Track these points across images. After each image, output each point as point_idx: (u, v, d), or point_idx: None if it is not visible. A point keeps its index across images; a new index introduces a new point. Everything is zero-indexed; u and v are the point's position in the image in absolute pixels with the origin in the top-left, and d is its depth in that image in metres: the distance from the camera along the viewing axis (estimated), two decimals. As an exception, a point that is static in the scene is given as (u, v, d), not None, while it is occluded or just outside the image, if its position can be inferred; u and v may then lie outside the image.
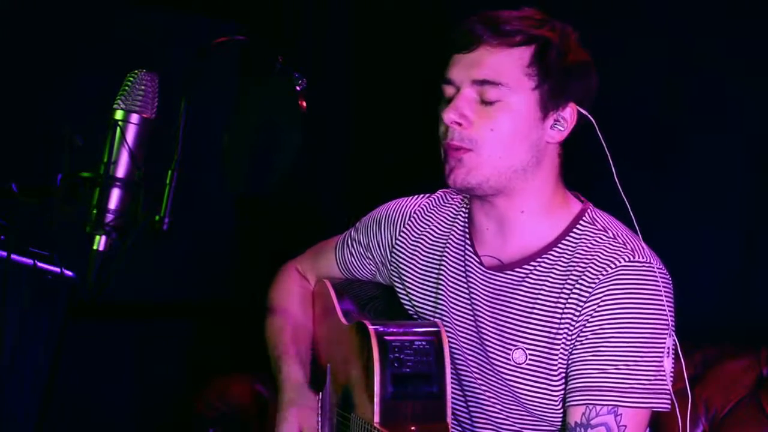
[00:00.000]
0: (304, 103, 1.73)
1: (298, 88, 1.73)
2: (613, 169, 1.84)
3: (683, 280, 1.92)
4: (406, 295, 2.10)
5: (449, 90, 1.88)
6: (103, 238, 1.59)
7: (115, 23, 3.16)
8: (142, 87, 1.61)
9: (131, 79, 1.62)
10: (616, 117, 2.51)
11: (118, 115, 1.60)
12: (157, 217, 1.57)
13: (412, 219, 2.12)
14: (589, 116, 1.88)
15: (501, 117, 1.84)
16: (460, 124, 1.85)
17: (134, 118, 1.60)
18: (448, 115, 1.85)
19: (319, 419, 2.09)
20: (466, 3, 1.96)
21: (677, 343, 1.83)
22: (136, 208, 1.59)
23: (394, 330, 1.88)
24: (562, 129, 1.88)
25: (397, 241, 2.13)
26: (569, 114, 1.87)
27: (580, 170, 1.95)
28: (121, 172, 1.59)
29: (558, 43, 1.85)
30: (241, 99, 1.95)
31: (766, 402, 2.31)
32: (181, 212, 1.60)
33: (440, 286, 2.03)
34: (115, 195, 1.59)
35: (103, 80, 1.83)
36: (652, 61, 2.69)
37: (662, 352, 1.80)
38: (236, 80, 3.34)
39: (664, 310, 1.80)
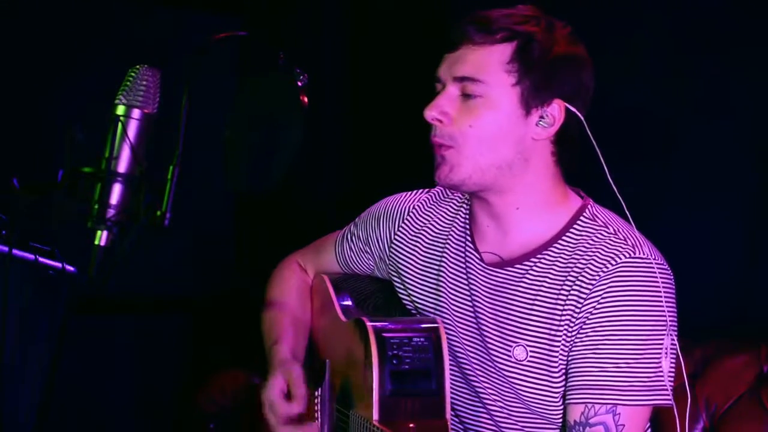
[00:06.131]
0: (306, 99, 1.73)
1: (299, 83, 1.73)
2: (604, 165, 1.83)
3: (683, 277, 1.92)
4: (405, 291, 2.10)
5: (438, 87, 1.90)
6: (105, 233, 1.59)
7: (117, 19, 3.16)
8: (144, 82, 1.61)
9: (133, 74, 1.62)
10: (614, 111, 2.51)
11: (120, 110, 1.61)
12: (158, 213, 1.57)
13: (411, 214, 2.12)
14: (577, 112, 1.85)
15: (481, 113, 1.84)
16: (441, 121, 1.86)
17: (136, 113, 1.61)
18: (429, 113, 1.87)
19: (318, 414, 2.10)
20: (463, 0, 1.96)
21: (676, 343, 1.83)
22: (137, 203, 1.59)
23: (392, 327, 1.87)
24: (548, 126, 1.86)
25: (396, 237, 2.13)
26: (556, 110, 1.85)
27: (583, 168, 1.94)
28: (122, 167, 1.60)
29: (541, 39, 1.83)
30: (242, 95, 1.95)
31: (766, 399, 2.31)
32: (182, 208, 1.60)
33: (441, 282, 2.03)
34: (116, 190, 1.59)
35: (105, 76, 1.84)
36: (651, 52, 2.68)
37: (661, 350, 1.80)
38: (237, 76, 3.34)
39: (663, 307, 1.81)
